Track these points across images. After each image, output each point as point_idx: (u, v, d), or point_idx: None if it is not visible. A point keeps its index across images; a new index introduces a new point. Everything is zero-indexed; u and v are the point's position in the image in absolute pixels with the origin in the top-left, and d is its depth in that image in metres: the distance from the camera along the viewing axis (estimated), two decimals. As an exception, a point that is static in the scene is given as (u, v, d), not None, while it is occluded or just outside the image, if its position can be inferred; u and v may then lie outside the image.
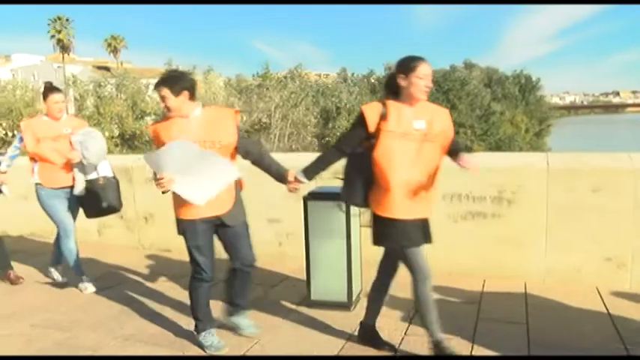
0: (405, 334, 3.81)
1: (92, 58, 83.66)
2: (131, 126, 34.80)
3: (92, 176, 4.74)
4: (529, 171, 4.71)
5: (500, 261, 4.81)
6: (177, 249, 5.61)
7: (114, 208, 4.84)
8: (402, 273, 3.39)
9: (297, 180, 3.53)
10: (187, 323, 4.02)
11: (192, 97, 3.45)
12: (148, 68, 60.24)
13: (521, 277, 4.71)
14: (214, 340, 3.71)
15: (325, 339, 3.80)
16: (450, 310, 4.06)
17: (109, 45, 72.46)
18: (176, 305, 4.52)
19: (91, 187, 4.71)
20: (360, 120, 3.25)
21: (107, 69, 62.27)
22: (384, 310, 3.69)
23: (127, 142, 34.65)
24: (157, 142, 3.50)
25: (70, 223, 4.91)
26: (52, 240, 5.23)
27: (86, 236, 6.50)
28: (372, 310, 3.66)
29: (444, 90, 47.91)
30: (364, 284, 4.43)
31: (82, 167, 4.71)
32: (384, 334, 3.69)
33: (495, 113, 49.63)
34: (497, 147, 45.52)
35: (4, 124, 32.03)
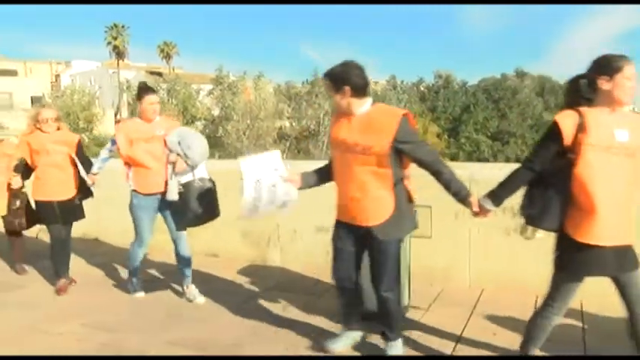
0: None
1: (145, 63, 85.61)
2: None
3: (187, 179, 4.44)
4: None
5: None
6: (225, 255, 5.65)
7: (210, 215, 4.48)
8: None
9: (482, 210, 3.10)
10: (234, 330, 3.99)
11: (358, 93, 3.20)
12: (199, 74, 61.23)
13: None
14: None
15: (373, 351, 3.72)
16: (513, 325, 3.94)
17: (162, 51, 74.08)
18: (223, 311, 4.51)
19: (185, 191, 4.41)
20: (554, 132, 2.83)
21: (159, 74, 63.55)
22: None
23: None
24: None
25: (147, 237, 4.80)
26: (104, 240, 5.29)
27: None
28: None
29: (495, 99, 47.19)
30: (411, 297, 4.34)
31: (178, 170, 4.46)
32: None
33: (548, 123, 48.38)
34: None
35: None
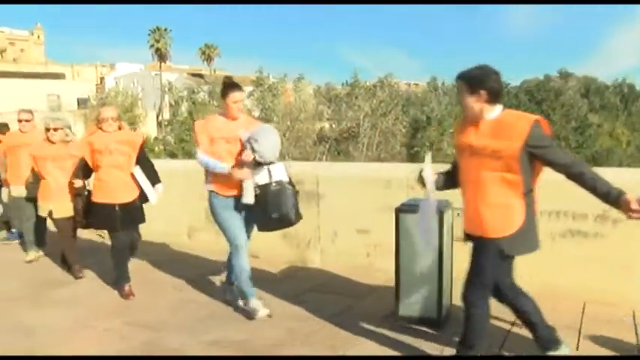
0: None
1: (187, 65, 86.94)
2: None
3: (264, 181, 4.17)
4: None
5: (602, 285, 4.46)
6: (266, 255, 5.64)
7: (288, 221, 4.20)
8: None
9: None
10: (274, 330, 3.99)
11: (493, 98, 3.10)
12: (240, 76, 61.67)
13: (626, 303, 4.34)
14: None
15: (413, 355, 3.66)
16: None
17: (204, 53, 75.24)
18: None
19: (262, 194, 4.15)
20: None
21: (201, 76, 64.46)
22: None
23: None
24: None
25: (243, 238, 4.36)
26: (148, 239, 5.31)
27: (176, 239, 6.65)
28: None
29: (538, 100, 46.33)
30: (453, 301, 4.26)
31: (254, 170, 4.18)
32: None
33: (592, 125, 47.39)
34: (594, 160, 43.36)
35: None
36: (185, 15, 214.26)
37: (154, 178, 5.18)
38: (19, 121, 6.70)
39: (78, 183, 5.10)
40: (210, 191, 4.37)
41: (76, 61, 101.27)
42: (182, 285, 5.26)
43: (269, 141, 4.19)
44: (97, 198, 5.04)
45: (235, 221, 4.33)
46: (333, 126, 39.42)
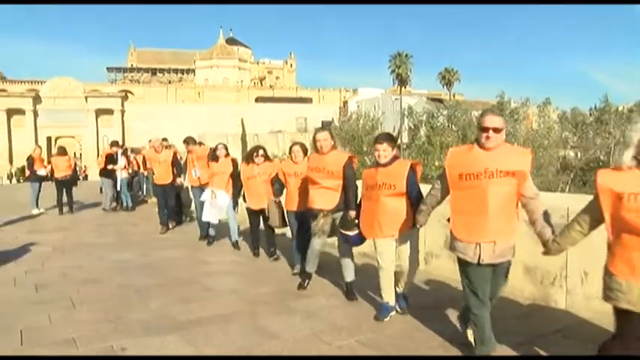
0: None
1: (426, 90, 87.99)
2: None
3: None
4: None
5: None
6: (505, 290, 5.34)
7: None
8: None
9: None
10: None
11: None
12: (480, 100, 60.79)
13: None
14: None
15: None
16: None
17: (444, 78, 75.50)
18: (502, 349, 4.19)
19: None
20: None
21: (440, 101, 64.64)
22: None
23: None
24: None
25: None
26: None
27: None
28: None
29: None
30: None
31: None
32: None
33: None
34: None
35: (346, 149, 35.49)
36: (426, 39, 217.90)
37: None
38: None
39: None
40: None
41: (322, 86, 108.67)
42: (416, 311, 5.18)
43: None
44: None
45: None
46: (579, 154, 36.65)
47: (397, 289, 5.09)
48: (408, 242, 4.95)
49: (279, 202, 7.07)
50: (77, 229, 11.55)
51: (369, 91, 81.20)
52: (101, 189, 16.21)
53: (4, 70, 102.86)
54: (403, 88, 71.39)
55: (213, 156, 8.96)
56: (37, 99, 63.47)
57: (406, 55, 71.20)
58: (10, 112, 62.80)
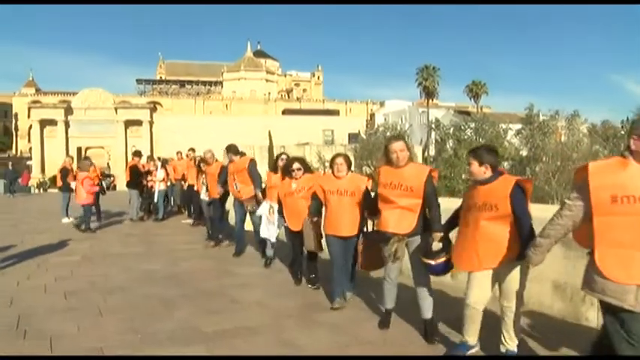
0: None
1: (454, 102, 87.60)
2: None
3: None
4: None
5: None
6: (533, 306, 5.24)
7: None
8: None
9: None
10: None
11: None
12: (508, 113, 60.21)
13: None
14: None
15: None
16: None
17: (471, 90, 74.97)
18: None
19: None
20: None
21: (467, 113, 64.28)
22: None
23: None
24: None
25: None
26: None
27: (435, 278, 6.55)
28: None
29: None
30: None
31: None
32: None
33: None
34: None
35: (373, 163, 35.40)
36: (453, 52, 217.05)
37: None
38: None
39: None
40: None
41: (349, 99, 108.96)
42: (442, 328, 5.12)
43: None
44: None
45: None
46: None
47: (503, 340, 4.18)
48: (513, 278, 4.08)
49: (317, 221, 6.26)
50: (105, 239, 11.71)
51: (396, 103, 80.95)
52: (130, 200, 16.43)
53: (39, 82, 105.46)
54: (430, 101, 71.05)
55: (286, 170, 7.17)
56: (68, 110, 64.54)
57: (433, 68, 70.90)
58: (44, 123, 63.86)
